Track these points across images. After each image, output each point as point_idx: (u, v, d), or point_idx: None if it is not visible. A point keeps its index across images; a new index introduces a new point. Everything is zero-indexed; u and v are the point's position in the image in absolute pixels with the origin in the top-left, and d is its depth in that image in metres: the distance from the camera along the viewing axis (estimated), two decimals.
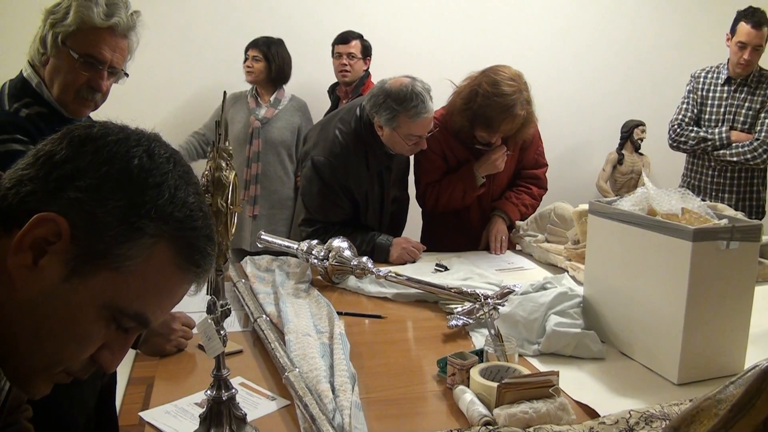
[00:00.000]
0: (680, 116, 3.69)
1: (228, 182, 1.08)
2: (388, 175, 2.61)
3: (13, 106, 1.59)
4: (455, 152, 2.64)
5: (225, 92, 1.32)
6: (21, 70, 1.64)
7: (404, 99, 2.33)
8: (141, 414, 1.34)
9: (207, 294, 1.15)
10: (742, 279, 1.55)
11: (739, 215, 1.88)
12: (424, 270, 2.31)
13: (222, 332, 1.16)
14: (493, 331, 1.51)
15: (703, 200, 1.73)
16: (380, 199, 2.64)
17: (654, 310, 1.56)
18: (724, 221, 1.56)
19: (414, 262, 2.49)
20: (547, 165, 2.87)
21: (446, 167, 2.68)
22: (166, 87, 4.10)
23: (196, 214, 0.75)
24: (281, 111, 3.80)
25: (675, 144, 3.71)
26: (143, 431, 1.28)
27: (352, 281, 2.20)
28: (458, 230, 2.76)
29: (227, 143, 1.10)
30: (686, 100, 3.72)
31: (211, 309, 1.15)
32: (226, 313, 1.16)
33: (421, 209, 2.88)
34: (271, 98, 3.80)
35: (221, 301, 1.15)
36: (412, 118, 2.35)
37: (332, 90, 4.07)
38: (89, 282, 0.69)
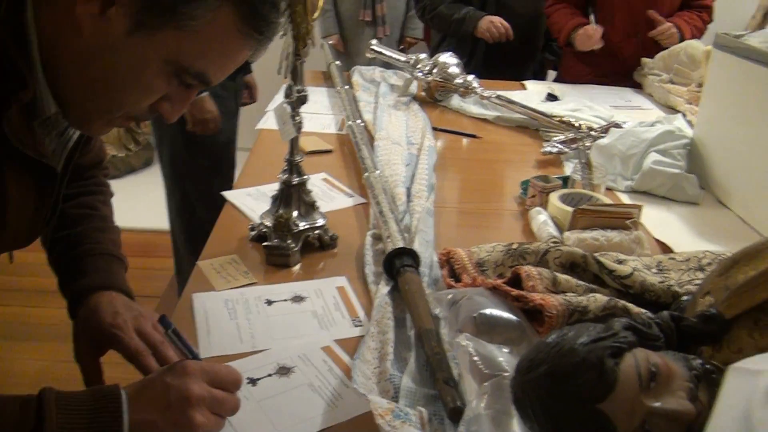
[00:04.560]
0: None
1: None
2: None
3: None
4: None
5: None
6: None
7: None
8: (223, 193, 1.42)
9: (284, 78, 1.15)
10: None
11: None
12: (533, 98, 2.22)
13: (297, 118, 1.17)
14: (583, 160, 1.45)
15: None
16: None
17: (763, 159, 1.43)
18: None
19: (500, 40, 2.54)
20: None
21: None
22: None
23: None
24: None
25: None
26: None
27: (455, 100, 2.15)
28: (604, 57, 2.57)
29: None
30: None
31: (287, 93, 1.16)
32: (302, 100, 1.16)
33: None
34: None
35: (298, 87, 1.15)
36: None
37: None
38: (154, 37, 0.70)
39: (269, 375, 0.90)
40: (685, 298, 0.93)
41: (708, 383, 0.68)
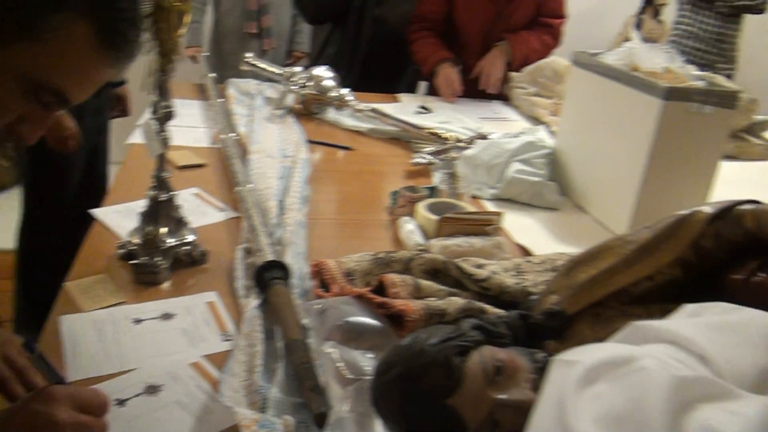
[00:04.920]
0: None
1: None
2: None
3: None
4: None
5: None
6: None
7: None
8: (91, 211, 1.38)
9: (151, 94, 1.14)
10: (710, 146, 1.52)
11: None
12: (406, 110, 2.29)
13: (163, 134, 1.16)
14: (449, 170, 1.52)
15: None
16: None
17: (616, 167, 1.55)
18: (702, 83, 1.52)
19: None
20: (565, 17, 2.73)
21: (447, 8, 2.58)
22: None
23: None
24: None
25: None
26: None
27: (330, 113, 2.19)
28: (467, 83, 2.63)
29: None
30: None
31: (154, 110, 1.15)
32: (169, 115, 1.16)
33: None
34: None
35: (164, 102, 1.15)
36: None
37: None
38: (9, 51, 0.68)
39: (137, 395, 0.90)
40: (533, 297, 1.00)
41: None
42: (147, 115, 1.19)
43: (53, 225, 2.16)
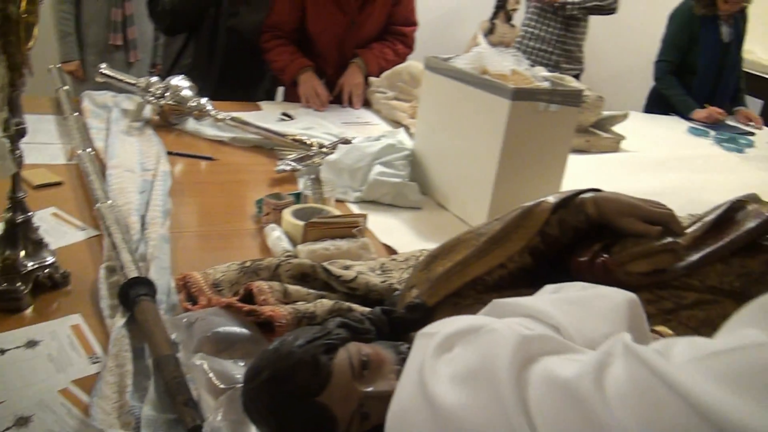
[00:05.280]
0: None
1: None
2: None
3: None
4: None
5: None
6: None
7: None
8: None
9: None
10: (558, 142, 1.64)
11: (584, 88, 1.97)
12: (268, 118, 2.29)
13: (17, 152, 1.12)
14: (313, 176, 1.55)
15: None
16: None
17: (471, 165, 1.63)
18: (547, 84, 1.63)
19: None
20: (416, 24, 2.83)
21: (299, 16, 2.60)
22: None
23: None
24: None
25: None
26: None
27: (190, 123, 2.16)
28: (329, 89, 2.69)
29: None
30: None
31: (5, 127, 1.10)
32: (22, 133, 1.11)
33: None
34: None
35: (16, 119, 1.10)
36: None
37: None
38: None
39: (7, 429, 0.86)
40: (396, 293, 1.05)
41: None
42: None
43: None
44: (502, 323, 0.70)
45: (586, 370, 0.58)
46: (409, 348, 0.80)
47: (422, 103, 1.88)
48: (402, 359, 0.78)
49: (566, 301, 0.79)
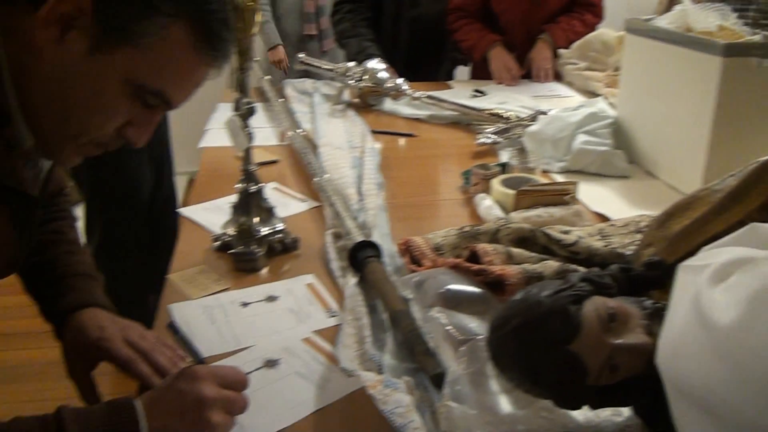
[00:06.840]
0: None
1: None
2: None
3: None
4: None
5: None
6: None
7: None
8: (180, 210, 1.45)
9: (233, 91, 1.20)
10: None
11: None
12: (460, 95, 2.32)
13: (247, 128, 1.22)
14: (518, 147, 1.55)
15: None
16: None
17: (682, 129, 1.56)
18: (759, 36, 1.51)
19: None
20: None
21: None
22: None
23: None
24: None
25: None
26: None
27: (387, 104, 2.23)
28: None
29: None
30: None
31: (236, 107, 1.21)
32: (251, 111, 1.21)
33: None
34: None
35: (246, 99, 1.20)
36: None
37: None
38: (111, 56, 0.73)
39: (258, 368, 0.95)
40: (629, 253, 1.02)
41: (660, 319, 0.76)
42: (215, 118, 1.24)
43: (129, 239, 2.22)
44: None
45: None
46: (653, 304, 0.79)
47: (625, 67, 1.81)
48: (648, 314, 0.77)
49: None
